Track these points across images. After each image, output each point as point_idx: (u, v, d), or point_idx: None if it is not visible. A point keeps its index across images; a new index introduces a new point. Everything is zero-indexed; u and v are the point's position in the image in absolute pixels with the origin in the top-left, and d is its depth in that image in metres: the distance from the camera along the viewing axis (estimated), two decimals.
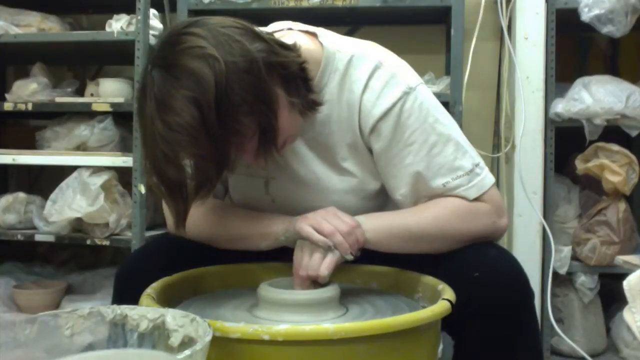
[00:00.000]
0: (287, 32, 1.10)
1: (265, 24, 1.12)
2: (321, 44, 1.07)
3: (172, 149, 0.86)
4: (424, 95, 1.06)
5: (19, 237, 2.16)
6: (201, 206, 1.16)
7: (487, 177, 1.07)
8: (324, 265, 0.98)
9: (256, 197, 1.16)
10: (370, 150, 1.09)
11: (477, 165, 1.06)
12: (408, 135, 1.04)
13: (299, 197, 1.12)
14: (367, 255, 1.06)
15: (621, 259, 1.49)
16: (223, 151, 0.89)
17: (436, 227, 1.03)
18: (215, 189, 1.21)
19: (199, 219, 1.13)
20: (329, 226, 0.99)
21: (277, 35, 1.03)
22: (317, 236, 0.99)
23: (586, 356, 1.88)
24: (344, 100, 1.07)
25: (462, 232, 1.04)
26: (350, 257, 1.00)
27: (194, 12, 2.05)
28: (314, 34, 1.10)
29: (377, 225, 1.03)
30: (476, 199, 1.05)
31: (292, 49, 0.98)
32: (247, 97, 0.87)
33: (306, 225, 1.00)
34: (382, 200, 1.14)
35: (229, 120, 0.87)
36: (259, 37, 0.93)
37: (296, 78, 0.97)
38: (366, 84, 1.05)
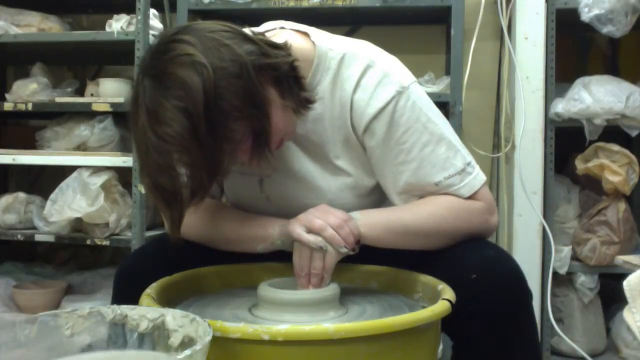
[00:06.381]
0: (279, 31, 1.10)
1: None
2: (313, 42, 1.08)
3: (164, 159, 0.87)
4: (417, 94, 1.06)
5: (19, 237, 2.16)
6: (198, 207, 1.16)
7: (478, 176, 1.08)
8: (324, 266, 0.98)
9: (251, 195, 1.16)
10: (363, 147, 1.09)
11: (468, 164, 1.06)
12: (400, 134, 1.04)
13: (294, 194, 1.12)
14: (366, 255, 1.06)
15: (621, 259, 1.49)
16: (215, 158, 0.89)
17: (431, 223, 1.04)
18: (212, 189, 1.22)
19: (195, 220, 1.13)
20: (319, 222, 0.99)
21: (268, 34, 1.03)
22: (307, 237, 0.98)
23: (586, 356, 1.88)
24: (337, 98, 1.07)
25: (457, 229, 1.05)
26: (344, 250, 0.98)
27: (194, 12, 2.04)
28: (306, 33, 1.10)
29: (371, 220, 1.03)
30: (469, 198, 1.06)
31: (282, 48, 0.98)
32: (237, 103, 0.88)
33: (297, 226, 1.00)
34: (378, 198, 1.14)
35: (220, 128, 0.87)
36: (248, 39, 0.93)
37: (288, 77, 0.97)
38: (358, 82, 1.05)
